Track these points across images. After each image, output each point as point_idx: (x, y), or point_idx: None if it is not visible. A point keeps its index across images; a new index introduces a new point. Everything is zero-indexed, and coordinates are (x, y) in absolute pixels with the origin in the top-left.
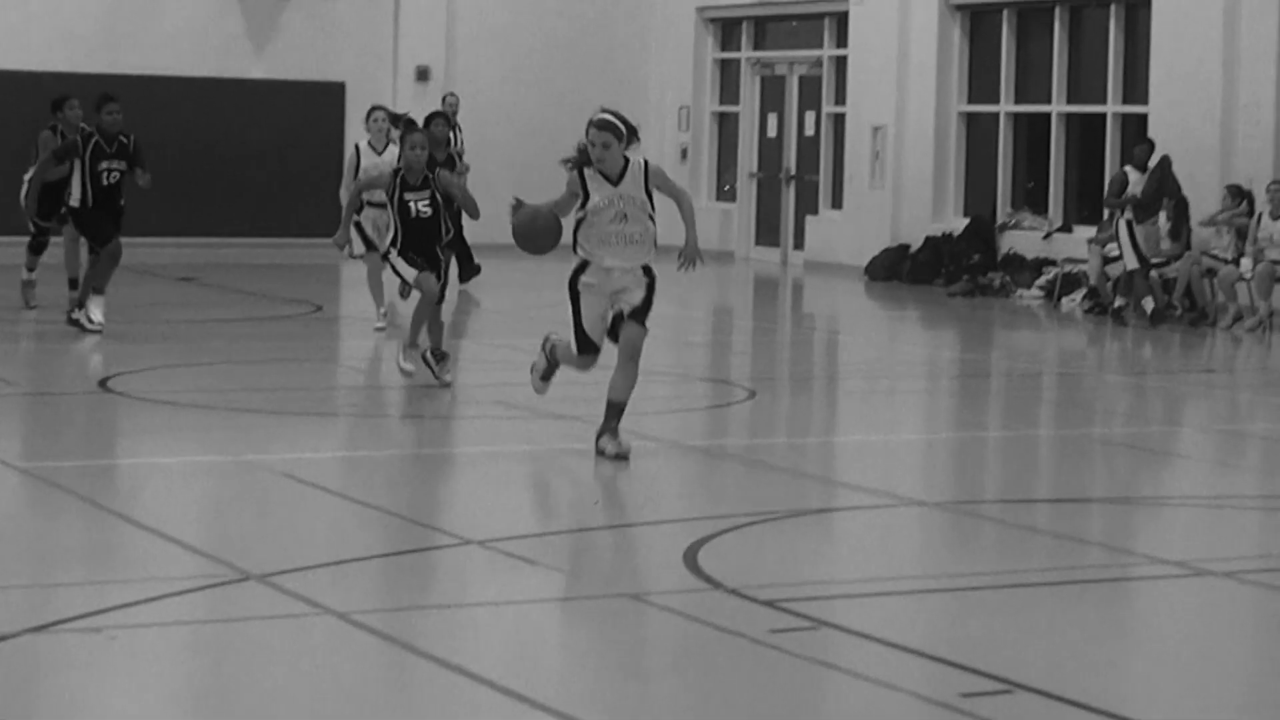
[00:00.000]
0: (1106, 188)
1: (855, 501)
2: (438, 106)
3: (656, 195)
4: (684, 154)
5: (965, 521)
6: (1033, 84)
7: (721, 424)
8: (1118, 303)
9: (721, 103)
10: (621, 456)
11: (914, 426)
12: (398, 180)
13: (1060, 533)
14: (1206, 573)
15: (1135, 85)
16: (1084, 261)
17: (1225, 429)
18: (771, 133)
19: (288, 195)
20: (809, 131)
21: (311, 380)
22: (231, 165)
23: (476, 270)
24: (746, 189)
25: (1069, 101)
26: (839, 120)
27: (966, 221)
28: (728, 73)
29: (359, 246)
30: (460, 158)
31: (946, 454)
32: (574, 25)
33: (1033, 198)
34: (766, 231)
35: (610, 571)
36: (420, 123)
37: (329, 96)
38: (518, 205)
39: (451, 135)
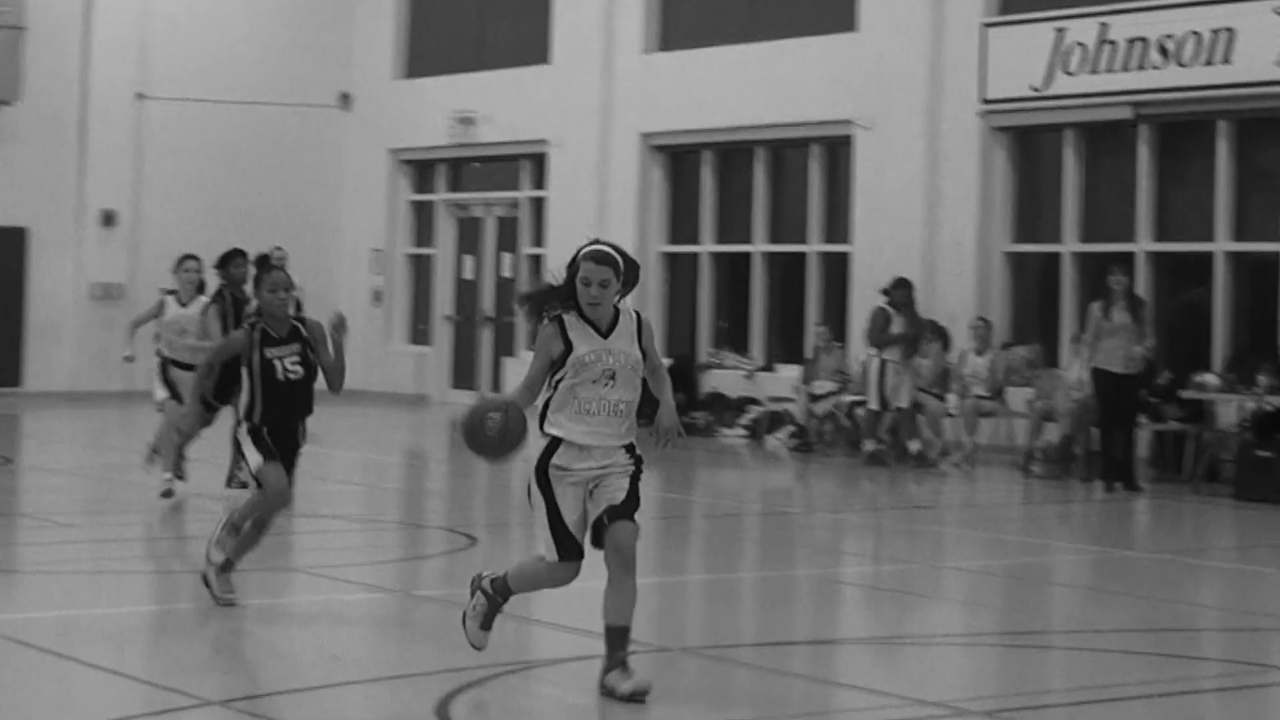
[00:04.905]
0: (869, 324)
1: (588, 649)
2: (121, 251)
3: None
4: (377, 297)
5: (700, 664)
6: (734, 223)
7: (448, 572)
8: (869, 446)
9: (416, 244)
10: (639, 695)
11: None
12: (255, 335)
13: (789, 671)
14: (965, 712)
15: (837, 224)
16: (788, 400)
17: (932, 565)
18: (468, 274)
19: None
20: (506, 273)
21: (22, 536)
22: None
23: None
24: (442, 331)
25: (771, 241)
26: (538, 262)
27: (669, 362)
28: (422, 214)
29: (161, 393)
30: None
31: (668, 597)
32: (266, 167)
33: (734, 337)
34: (463, 374)
35: None
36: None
37: (10, 242)
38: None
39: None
